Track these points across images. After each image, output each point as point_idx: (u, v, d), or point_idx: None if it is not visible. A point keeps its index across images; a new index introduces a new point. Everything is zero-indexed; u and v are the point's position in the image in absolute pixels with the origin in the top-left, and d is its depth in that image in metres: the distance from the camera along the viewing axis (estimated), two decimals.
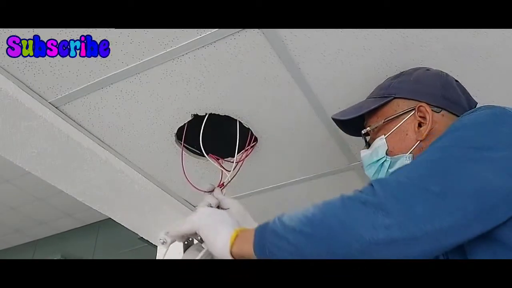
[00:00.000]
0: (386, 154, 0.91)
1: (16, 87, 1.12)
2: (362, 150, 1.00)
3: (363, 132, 0.97)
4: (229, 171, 1.24)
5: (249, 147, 1.35)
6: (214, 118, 1.27)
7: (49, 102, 1.19)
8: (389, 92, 0.95)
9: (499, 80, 1.14)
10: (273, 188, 1.60)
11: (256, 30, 1.01)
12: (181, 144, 1.36)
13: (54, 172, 1.37)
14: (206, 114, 1.26)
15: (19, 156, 1.29)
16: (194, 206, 1.68)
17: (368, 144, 0.99)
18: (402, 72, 1.01)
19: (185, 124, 1.29)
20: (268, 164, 1.47)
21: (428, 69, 1.00)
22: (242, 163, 1.32)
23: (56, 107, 1.21)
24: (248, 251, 0.74)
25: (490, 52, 1.09)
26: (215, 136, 1.30)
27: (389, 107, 0.94)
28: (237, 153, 1.29)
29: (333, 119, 1.03)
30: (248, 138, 1.33)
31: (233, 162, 1.26)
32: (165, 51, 1.06)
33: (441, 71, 0.98)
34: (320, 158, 1.45)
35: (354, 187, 1.57)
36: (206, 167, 1.46)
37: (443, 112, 0.89)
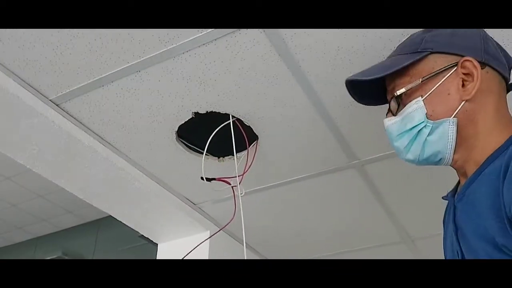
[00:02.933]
0: (426, 118, 0.79)
1: (17, 85, 1.12)
2: (386, 119, 0.86)
3: (396, 93, 0.82)
4: (235, 186, 1.28)
5: (250, 146, 1.35)
6: (214, 116, 1.27)
7: (50, 100, 1.19)
8: (424, 47, 0.82)
9: None
10: (273, 187, 1.60)
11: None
12: (182, 142, 1.36)
13: (55, 170, 1.37)
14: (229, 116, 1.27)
15: (20, 153, 1.29)
16: (195, 204, 1.69)
17: (393, 111, 0.85)
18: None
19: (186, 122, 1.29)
20: (268, 162, 1.47)
21: None
22: (251, 164, 1.34)
23: (57, 105, 1.21)
24: None
25: None
26: (215, 134, 1.30)
27: (424, 64, 0.81)
28: (237, 152, 1.29)
29: (348, 81, 0.89)
30: (248, 136, 1.33)
31: (234, 160, 1.27)
32: (165, 49, 1.06)
33: None
34: (320, 156, 1.45)
35: (354, 185, 1.58)
36: (206, 165, 1.46)
37: (487, 68, 0.79)
